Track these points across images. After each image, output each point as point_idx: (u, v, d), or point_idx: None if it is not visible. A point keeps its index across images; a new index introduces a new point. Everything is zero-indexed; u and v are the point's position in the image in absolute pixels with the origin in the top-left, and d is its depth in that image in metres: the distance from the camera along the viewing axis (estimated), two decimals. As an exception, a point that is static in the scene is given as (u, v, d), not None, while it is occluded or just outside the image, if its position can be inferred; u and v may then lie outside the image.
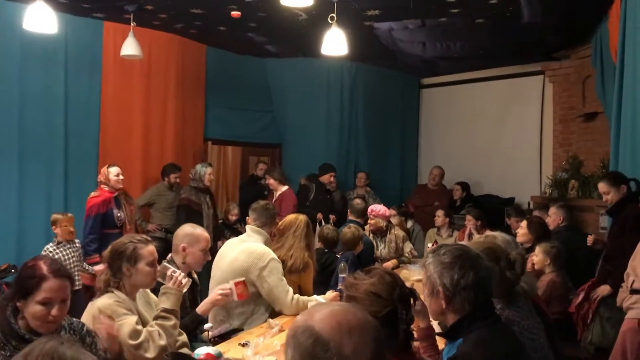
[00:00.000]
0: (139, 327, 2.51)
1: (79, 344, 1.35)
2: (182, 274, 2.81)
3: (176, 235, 3.35)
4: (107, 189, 5.21)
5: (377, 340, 1.23)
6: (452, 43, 6.80)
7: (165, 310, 2.65)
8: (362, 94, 8.26)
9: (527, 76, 7.91)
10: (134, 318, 2.52)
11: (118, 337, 2.45)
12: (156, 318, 2.63)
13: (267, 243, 3.77)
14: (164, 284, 2.78)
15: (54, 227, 4.70)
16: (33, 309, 1.98)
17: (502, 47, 6.97)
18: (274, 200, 6.46)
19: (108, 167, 5.28)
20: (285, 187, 6.51)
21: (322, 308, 1.27)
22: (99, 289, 2.64)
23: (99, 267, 4.76)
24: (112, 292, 2.59)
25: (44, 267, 2.01)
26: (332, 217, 6.86)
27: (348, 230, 4.82)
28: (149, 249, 2.69)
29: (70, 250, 4.71)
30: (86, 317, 2.53)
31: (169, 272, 2.77)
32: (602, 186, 4.18)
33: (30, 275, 2.01)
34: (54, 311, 1.98)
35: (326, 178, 7.27)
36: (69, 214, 4.82)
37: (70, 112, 5.98)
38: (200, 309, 3.19)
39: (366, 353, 1.19)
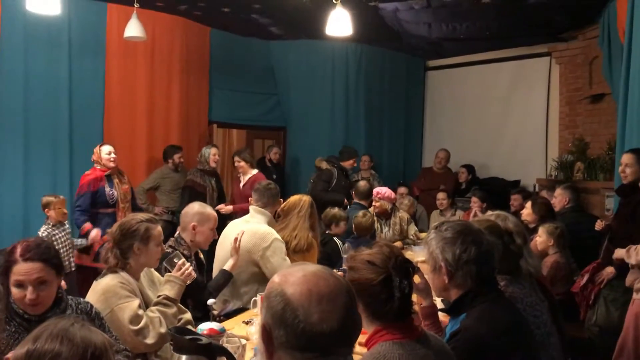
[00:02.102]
0: (140, 312, 2.52)
1: (90, 325, 1.35)
2: (192, 268, 2.83)
3: (186, 213, 3.36)
4: (99, 167, 5.20)
5: (347, 307, 1.27)
6: (458, 24, 6.75)
7: (167, 298, 2.67)
8: (367, 76, 8.22)
9: (534, 58, 7.85)
10: (136, 302, 2.54)
11: None
12: (157, 304, 2.65)
13: (270, 223, 3.79)
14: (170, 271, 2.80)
15: (46, 209, 4.69)
16: (12, 290, 2.02)
17: (509, 28, 6.91)
18: (242, 185, 5.97)
19: (100, 146, 5.28)
20: (255, 171, 5.98)
21: (297, 271, 1.30)
22: (106, 268, 2.64)
23: (94, 234, 4.85)
24: (118, 272, 2.59)
25: (17, 251, 2.03)
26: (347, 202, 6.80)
27: (363, 218, 4.85)
28: (159, 230, 2.73)
29: (63, 233, 4.72)
30: (90, 298, 2.53)
31: (179, 262, 2.79)
32: (627, 157, 3.94)
33: (7, 258, 2.05)
34: (28, 294, 1.99)
35: (349, 163, 7.00)
36: (61, 196, 4.81)
37: (74, 95, 5.98)
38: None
39: (334, 319, 1.23)
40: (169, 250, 3.22)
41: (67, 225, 4.85)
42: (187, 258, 3.22)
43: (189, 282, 2.79)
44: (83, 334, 1.24)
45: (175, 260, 2.81)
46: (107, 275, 2.59)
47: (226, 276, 3.39)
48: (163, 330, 2.52)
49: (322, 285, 1.26)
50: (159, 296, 2.69)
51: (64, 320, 1.30)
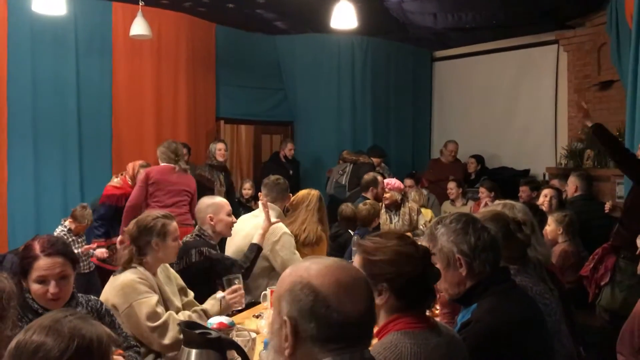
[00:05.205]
0: (159, 309, 2.53)
1: (91, 318, 1.34)
2: (243, 298, 2.88)
3: (199, 209, 3.43)
4: (130, 183, 5.12)
5: (369, 296, 1.29)
6: (464, 14, 6.70)
7: (204, 311, 2.71)
8: (374, 68, 8.20)
9: (541, 46, 7.78)
10: (155, 298, 2.55)
11: None
12: (193, 312, 2.70)
13: (279, 217, 3.79)
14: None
15: (70, 220, 4.69)
16: (32, 287, 2.04)
17: (515, 17, 6.86)
18: None
19: (140, 166, 5.21)
20: None
21: (316, 264, 1.29)
22: (121, 264, 2.66)
23: (100, 251, 4.79)
24: (136, 267, 2.62)
25: (36, 247, 2.05)
26: None
27: (364, 207, 4.83)
28: (175, 225, 2.78)
29: (81, 237, 4.77)
30: (107, 292, 2.57)
31: (235, 286, 2.83)
32: None
33: (25, 255, 2.06)
34: (50, 288, 2.01)
35: (377, 161, 7.05)
36: (87, 221, 4.74)
37: (82, 94, 6.03)
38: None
39: (361, 308, 1.25)
40: (192, 239, 3.31)
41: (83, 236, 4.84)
42: (213, 247, 3.33)
43: (233, 309, 2.81)
44: (73, 326, 1.23)
45: (236, 282, 2.87)
46: (126, 271, 2.61)
47: (254, 248, 3.42)
48: (182, 335, 2.52)
49: (345, 275, 1.27)
50: (195, 309, 2.73)
51: (60, 312, 1.30)
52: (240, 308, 2.87)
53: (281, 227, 3.65)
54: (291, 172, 7.10)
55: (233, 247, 3.73)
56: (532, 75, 7.93)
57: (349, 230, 4.72)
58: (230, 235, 3.54)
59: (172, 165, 5.04)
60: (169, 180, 4.95)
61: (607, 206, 4.62)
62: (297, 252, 3.63)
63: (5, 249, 5.23)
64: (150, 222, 2.69)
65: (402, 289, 1.63)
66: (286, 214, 4.06)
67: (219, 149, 6.16)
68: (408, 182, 7.06)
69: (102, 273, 4.78)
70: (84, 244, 4.77)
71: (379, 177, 5.50)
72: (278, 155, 7.53)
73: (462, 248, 1.94)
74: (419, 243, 1.76)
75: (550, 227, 4.21)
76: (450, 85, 8.94)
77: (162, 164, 5.10)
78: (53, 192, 5.78)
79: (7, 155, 5.58)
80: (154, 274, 2.71)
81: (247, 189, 6.73)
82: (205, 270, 3.22)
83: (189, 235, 3.43)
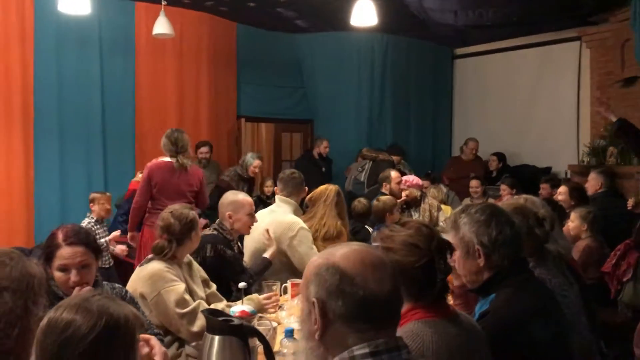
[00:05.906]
0: (187, 296, 2.57)
1: (118, 299, 1.37)
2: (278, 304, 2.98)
3: (221, 204, 3.46)
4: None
5: (394, 276, 1.31)
6: (485, 11, 6.66)
7: None
8: (394, 66, 8.20)
9: (563, 42, 7.71)
10: (183, 286, 2.60)
11: None
12: (226, 306, 2.75)
13: (296, 212, 3.82)
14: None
15: (91, 204, 4.77)
16: (55, 275, 2.08)
17: (536, 13, 6.80)
18: None
19: None
20: None
21: (340, 248, 1.33)
22: (154, 255, 2.70)
23: (121, 248, 4.79)
24: (164, 259, 2.66)
25: (60, 236, 2.09)
26: None
27: (377, 203, 4.85)
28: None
29: (103, 229, 4.80)
30: (135, 281, 2.63)
31: (272, 293, 2.93)
32: None
33: (49, 243, 2.11)
34: (72, 277, 2.05)
35: (397, 159, 7.10)
36: (107, 193, 4.90)
37: (106, 93, 6.15)
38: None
39: (388, 287, 1.28)
40: (213, 232, 3.34)
41: (105, 225, 4.89)
42: (231, 242, 3.35)
43: (266, 314, 2.85)
44: (101, 304, 1.26)
45: (274, 288, 2.96)
46: (153, 261, 2.66)
47: (266, 262, 3.48)
48: None
49: (370, 255, 1.30)
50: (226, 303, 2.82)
51: (89, 292, 1.34)
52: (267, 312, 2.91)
53: (298, 222, 3.66)
54: (324, 169, 7.11)
55: (252, 242, 3.73)
56: (554, 72, 7.86)
57: (366, 227, 4.73)
58: (248, 233, 3.55)
59: (172, 160, 4.58)
60: (170, 182, 4.57)
61: (630, 202, 4.58)
62: (314, 247, 3.64)
63: (32, 243, 5.35)
64: (189, 215, 2.76)
65: (403, 277, 1.60)
66: (305, 210, 4.08)
67: (254, 166, 6.16)
68: (424, 183, 7.04)
69: (120, 269, 4.86)
70: (106, 233, 4.81)
71: (393, 173, 5.51)
72: (311, 152, 7.51)
73: (483, 240, 1.93)
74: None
75: (574, 223, 4.17)
76: (471, 83, 8.90)
77: (164, 158, 4.65)
78: (78, 187, 5.89)
79: (33, 152, 5.72)
80: (181, 265, 2.76)
81: (268, 186, 6.79)
82: (218, 267, 3.25)
83: (207, 229, 3.47)
